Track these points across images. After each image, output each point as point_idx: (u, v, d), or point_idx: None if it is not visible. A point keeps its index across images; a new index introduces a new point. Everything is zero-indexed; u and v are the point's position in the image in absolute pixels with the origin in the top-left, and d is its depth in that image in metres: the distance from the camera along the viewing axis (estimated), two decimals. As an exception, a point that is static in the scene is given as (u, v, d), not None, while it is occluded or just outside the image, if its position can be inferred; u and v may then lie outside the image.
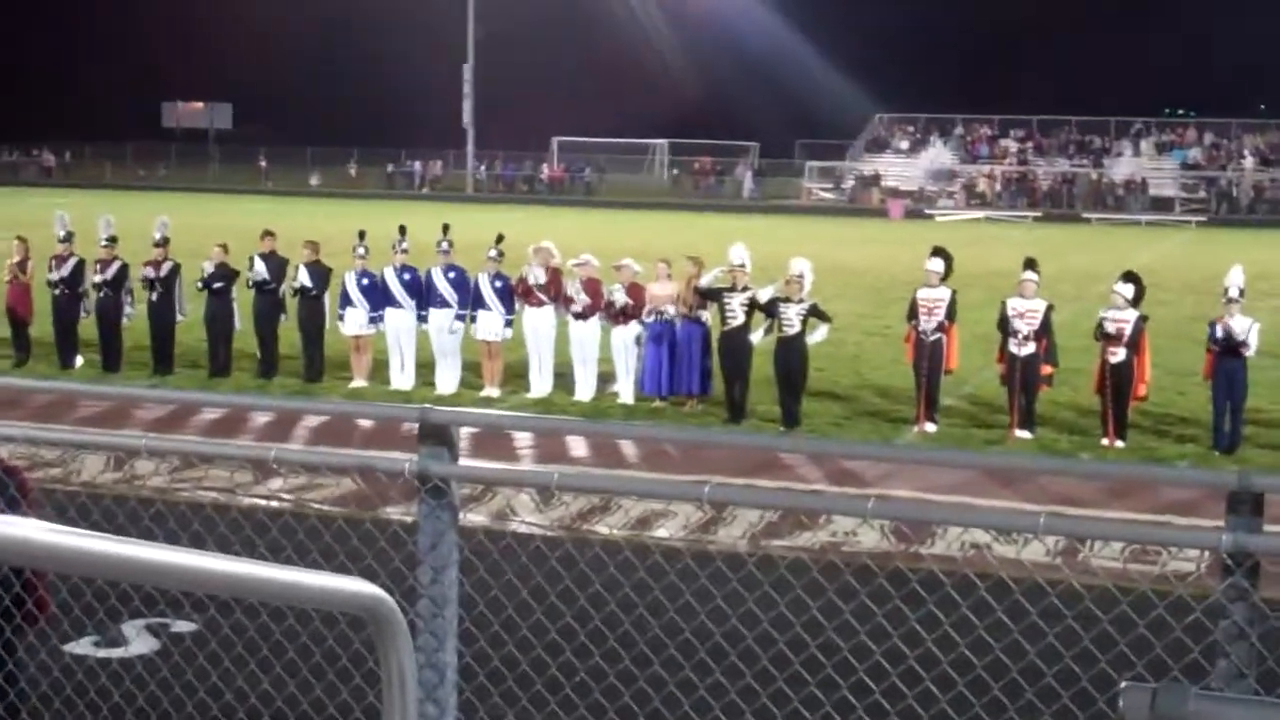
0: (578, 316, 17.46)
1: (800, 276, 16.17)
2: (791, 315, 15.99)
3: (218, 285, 18.76)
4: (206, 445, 5.32)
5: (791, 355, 15.90)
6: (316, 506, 11.48)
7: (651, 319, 17.12)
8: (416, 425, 4.31)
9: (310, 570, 2.38)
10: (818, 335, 16.19)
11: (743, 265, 16.60)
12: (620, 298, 17.21)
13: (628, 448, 14.64)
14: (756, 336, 16.35)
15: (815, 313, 16.10)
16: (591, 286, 17.45)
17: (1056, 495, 12.50)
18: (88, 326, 19.30)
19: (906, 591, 5.09)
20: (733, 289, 16.51)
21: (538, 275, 17.68)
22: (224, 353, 18.96)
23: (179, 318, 19.13)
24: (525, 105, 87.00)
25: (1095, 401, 16.05)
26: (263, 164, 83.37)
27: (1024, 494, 12.56)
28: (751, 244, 18.21)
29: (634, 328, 17.30)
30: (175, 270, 19.02)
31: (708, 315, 16.97)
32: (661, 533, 11.05)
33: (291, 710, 5.61)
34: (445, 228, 18.38)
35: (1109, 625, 4.55)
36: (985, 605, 4.78)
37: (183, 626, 7.69)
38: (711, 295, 16.73)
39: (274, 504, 11.42)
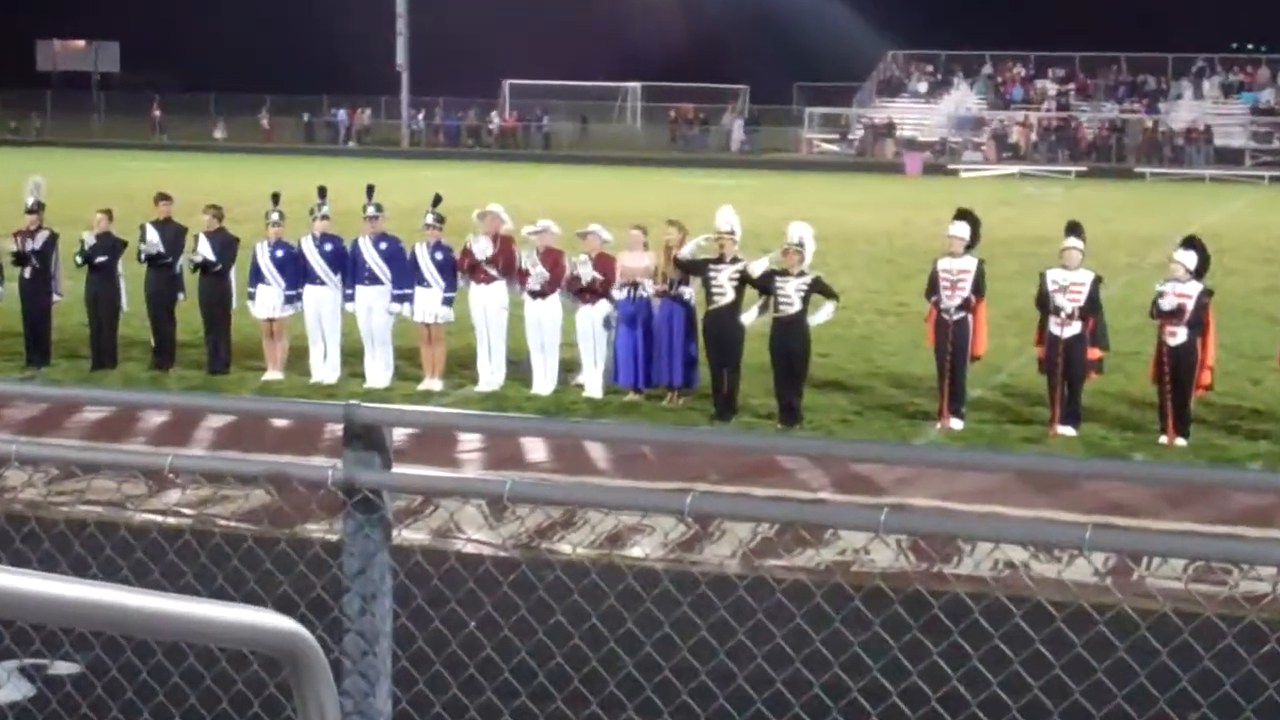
0: (535, 294, 17.46)
1: (800, 245, 16.19)
2: (790, 291, 16.01)
3: (101, 259, 18.68)
4: (89, 451, 5.29)
5: (790, 338, 15.94)
6: (222, 524, 11.43)
7: (624, 296, 17.12)
8: (341, 425, 4.29)
9: (215, 601, 2.37)
10: (822, 315, 16.23)
11: (731, 232, 16.61)
12: (586, 271, 17.21)
13: (596, 450, 14.63)
14: (749, 317, 16.38)
15: (818, 288, 16.14)
16: (551, 258, 17.45)
17: (1106, 503, 12.54)
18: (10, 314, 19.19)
19: (927, 619, 5.11)
20: (720, 260, 16.52)
21: (485, 245, 17.65)
22: (109, 340, 18.89)
23: (55, 298, 19.05)
24: (470, 43, 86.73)
25: (1151, 391, 16.13)
26: (156, 114, 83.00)
27: (1067, 502, 12.60)
28: (742, 206, 18.24)
29: (603, 307, 17.30)
30: (51, 241, 18.93)
31: (690, 292, 16.98)
32: (636, 552, 11.04)
33: (194, 768, 5.60)
34: (371, 190, 18.35)
35: (1169, 658, 4.56)
36: (1021, 635, 4.79)
37: (62, 668, 7.67)
38: (695, 268, 16.75)
39: (171, 521, 11.38)
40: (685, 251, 16.76)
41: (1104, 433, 15.83)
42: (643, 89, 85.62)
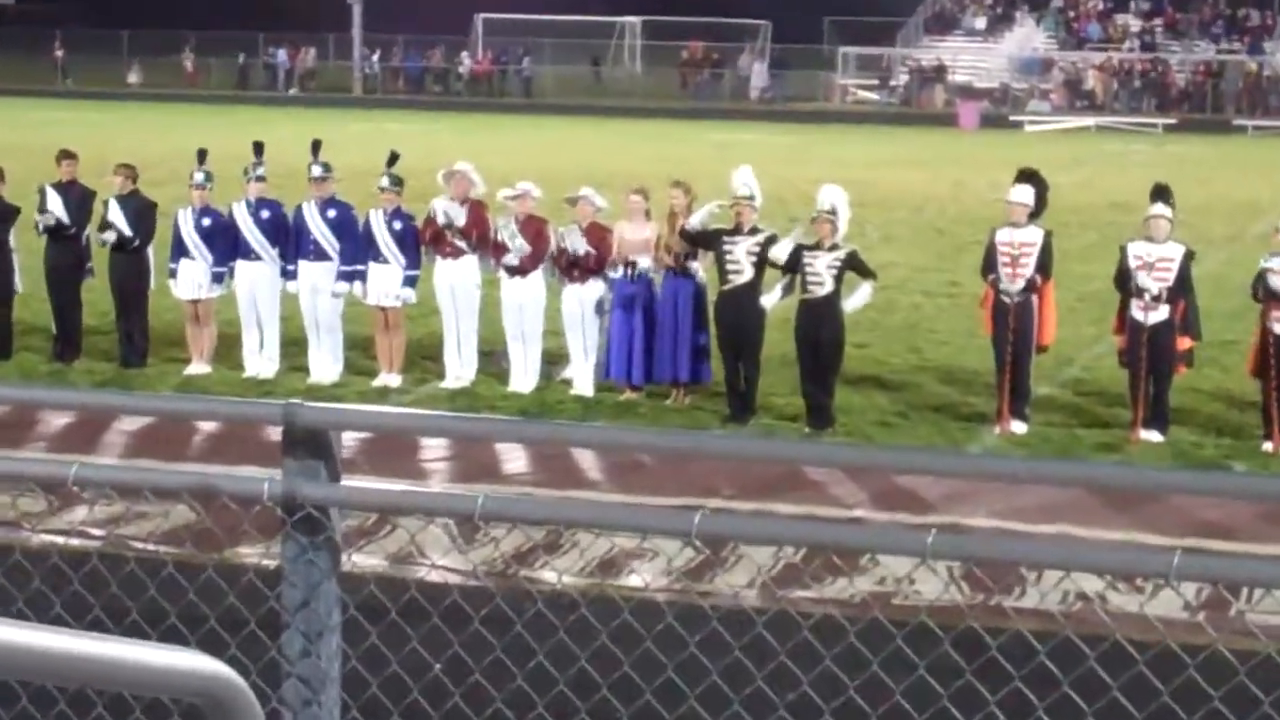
0: (513, 271, 17.46)
1: (832, 213, 16.20)
2: (820, 268, 16.02)
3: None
4: (-23, 460, 5.30)
5: (820, 325, 15.94)
6: (138, 546, 11.44)
7: (620, 275, 17.13)
8: (280, 428, 4.30)
9: (128, 640, 2.37)
10: (857, 299, 16.24)
11: (750, 197, 16.61)
12: (576, 244, 17.21)
13: (586, 459, 14.63)
14: (770, 299, 16.38)
15: (853, 264, 16.14)
16: (533, 228, 17.45)
17: (1198, 523, 12.53)
18: None
19: (984, 662, 5.11)
20: (735, 231, 16.52)
21: (453, 213, 17.65)
22: (1, 326, 18.89)
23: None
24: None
25: (1253, 388, 16.14)
26: (59, 54, 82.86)
27: (1152, 522, 12.60)
28: (762, 166, 18.24)
29: (595, 287, 17.30)
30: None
31: (700, 269, 16.98)
32: (634, 581, 11.04)
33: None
34: (316, 146, 18.33)
35: (1273, 708, 4.56)
36: (1095, 681, 4.79)
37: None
38: (706, 240, 16.76)
39: (75, 543, 11.38)
40: (694, 221, 16.75)
41: (1196, 438, 15.84)
42: (644, 25, 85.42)
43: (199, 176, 18.36)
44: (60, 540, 11.30)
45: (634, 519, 4.94)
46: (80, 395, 10.54)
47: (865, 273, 16.24)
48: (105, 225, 18.48)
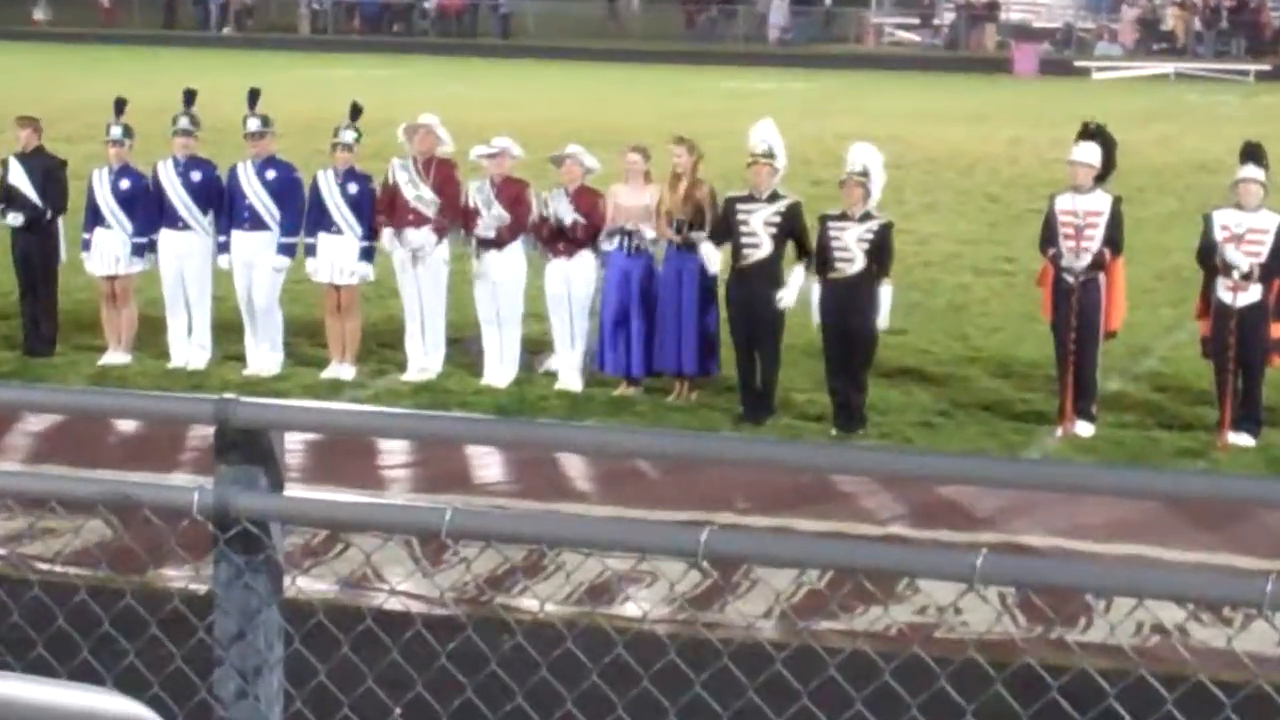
0: (487, 244, 17.46)
1: (864, 175, 16.19)
2: (849, 241, 16.01)
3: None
4: None
5: (849, 309, 15.93)
6: (43, 568, 11.43)
7: (615, 248, 17.13)
8: (212, 429, 4.31)
9: (36, 678, 2.38)
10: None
11: (769, 155, 16.60)
12: (562, 211, 17.21)
13: (574, 466, 14.64)
14: (789, 295, 16.24)
15: (883, 242, 16.06)
16: (511, 192, 17.45)
17: (1296, 542, 12.56)
18: None
19: (1044, 704, 5.12)
20: (751, 198, 16.51)
21: (416, 176, 17.65)
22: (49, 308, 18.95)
23: None
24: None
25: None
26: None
27: (1242, 541, 12.60)
28: (783, 119, 18.22)
29: (586, 263, 17.30)
30: None
31: (709, 243, 16.97)
32: (630, 609, 11.05)
33: None
34: (254, 95, 18.31)
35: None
36: (1175, 729, 4.81)
37: None
38: (718, 209, 16.77)
39: (-28, 564, 11.38)
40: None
41: (1296, 443, 15.87)
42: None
43: (116, 131, 18.32)
44: (-49, 561, 11.31)
45: (630, 536, 4.93)
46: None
47: (885, 259, 16.10)
48: (7, 194, 18.45)
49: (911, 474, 7.48)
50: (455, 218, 17.64)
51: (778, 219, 16.35)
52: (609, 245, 17.14)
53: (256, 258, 17.87)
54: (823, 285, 16.09)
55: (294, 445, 14.16)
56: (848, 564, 4.94)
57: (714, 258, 16.58)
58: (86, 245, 18.33)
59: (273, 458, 4.33)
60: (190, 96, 18.46)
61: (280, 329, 18.21)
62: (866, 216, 16.11)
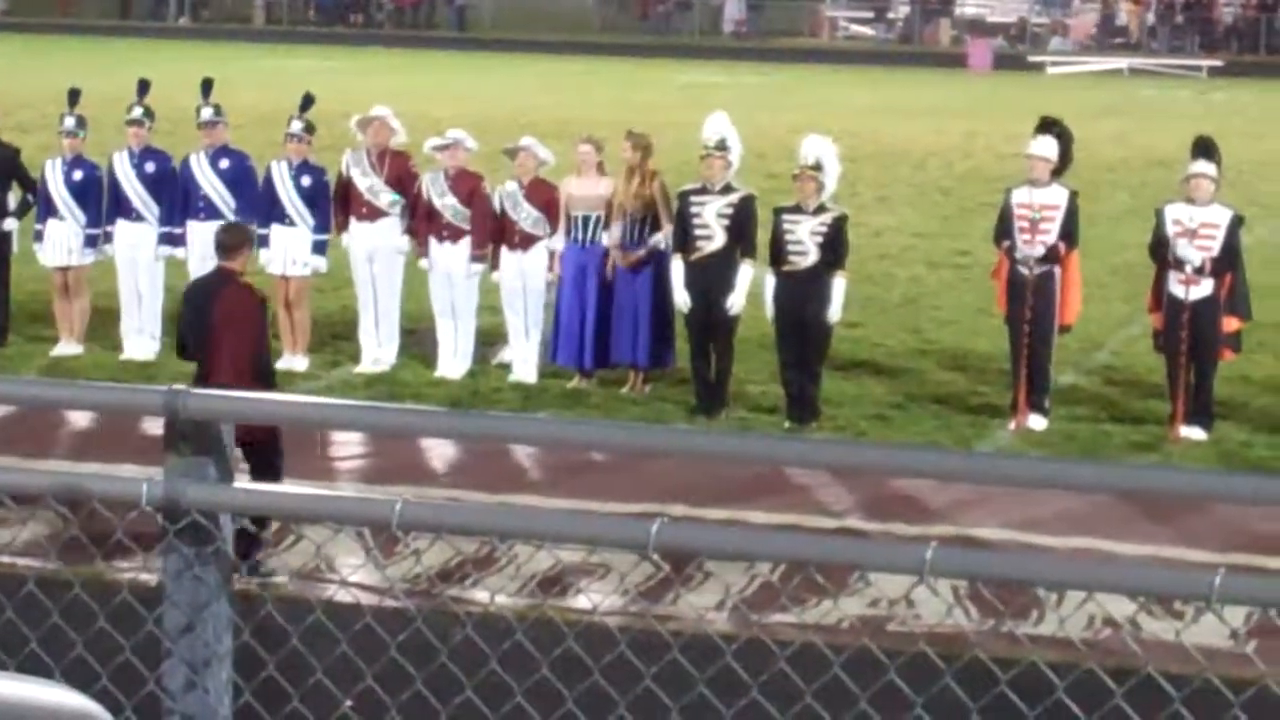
0: (442, 237, 17.43)
1: (816, 168, 16.19)
2: (802, 235, 16.01)
3: None
4: None
5: (804, 301, 15.93)
6: (-6, 559, 11.40)
7: (570, 242, 17.12)
8: (163, 420, 4.28)
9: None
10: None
11: (722, 147, 16.59)
12: (516, 205, 17.19)
13: (526, 457, 14.62)
14: (738, 299, 16.24)
15: (836, 233, 16.07)
16: (466, 186, 17.42)
17: (1248, 537, 12.58)
18: None
19: (992, 698, 5.12)
20: (704, 191, 16.51)
21: (370, 166, 17.63)
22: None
23: None
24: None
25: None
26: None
27: (1193, 535, 12.63)
28: (738, 112, 18.22)
29: (539, 256, 17.28)
30: None
31: (662, 235, 16.95)
32: (581, 602, 11.04)
33: None
34: (208, 85, 18.26)
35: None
36: (1123, 721, 4.81)
37: None
38: (670, 203, 16.76)
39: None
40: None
41: (1245, 436, 15.91)
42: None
43: (70, 122, 18.26)
44: (-100, 552, 11.26)
45: (581, 529, 4.91)
46: (-73, 379, 10.49)
47: (839, 252, 16.11)
48: (25, 208, 18.42)
49: (864, 467, 7.47)
50: (413, 211, 17.60)
51: (730, 211, 16.35)
52: (555, 244, 17.13)
53: (211, 248, 17.76)
54: (776, 278, 16.09)
55: (247, 437, 14.15)
56: (798, 557, 4.93)
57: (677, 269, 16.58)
58: (38, 236, 18.26)
59: (222, 449, 4.30)
60: (144, 87, 18.42)
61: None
62: (820, 209, 16.10)
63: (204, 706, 4.30)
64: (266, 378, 12.70)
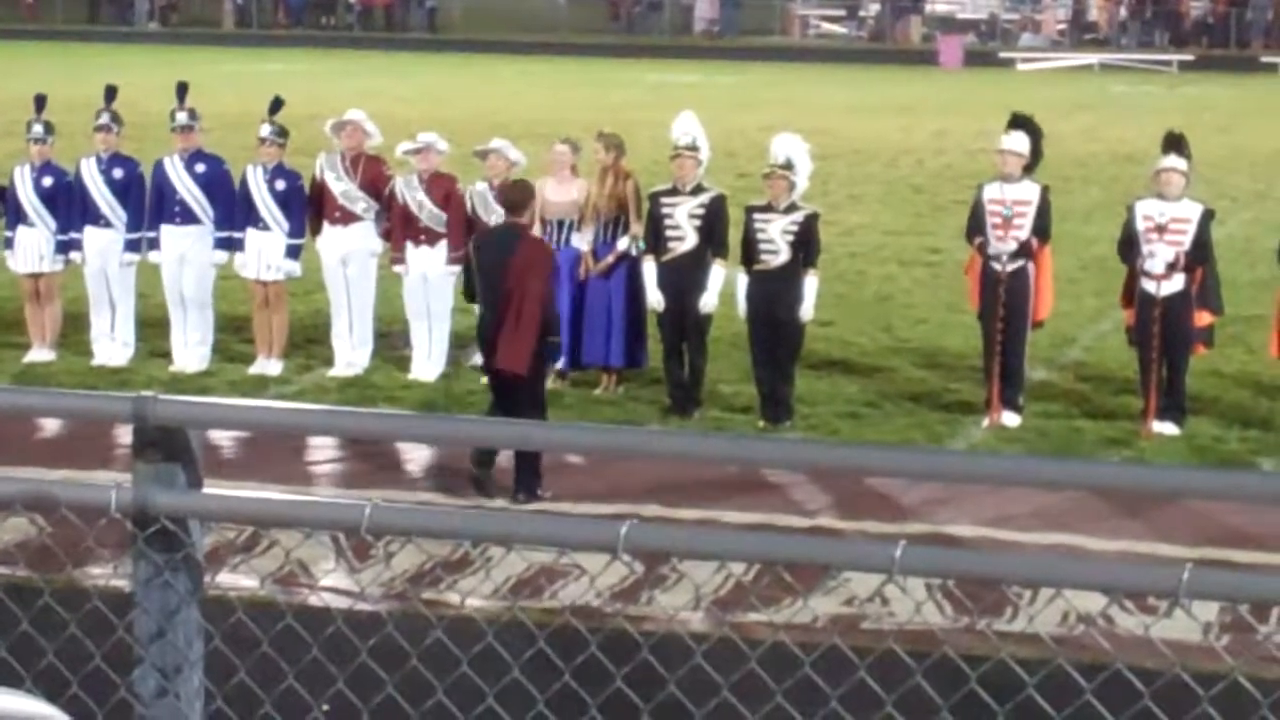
0: (419, 241, 17.43)
1: (786, 167, 16.19)
2: (774, 234, 16.01)
3: None
4: None
5: (776, 300, 15.92)
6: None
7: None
8: (132, 426, 4.29)
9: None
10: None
11: (693, 147, 16.60)
12: (488, 207, 17.19)
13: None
14: (710, 296, 16.27)
15: (806, 232, 16.07)
16: (440, 189, 17.41)
17: (1220, 532, 12.61)
18: None
19: (963, 695, 5.14)
20: (675, 191, 16.51)
21: (343, 172, 17.62)
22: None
23: None
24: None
25: (1282, 373, 16.28)
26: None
27: (1165, 530, 12.67)
28: (709, 112, 18.25)
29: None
30: None
31: (630, 238, 16.93)
32: (553, 603, 11.04)
33: None
34: (183, 89, 18.24)
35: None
36: (1092, 716, 4.83)
37: None
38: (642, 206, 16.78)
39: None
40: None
41: (1217, 431, 15.94)
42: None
43: (38, 129, 18.21)
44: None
45: (551, 530, 4.93)
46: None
47: (811, 251, 16.12)
48: None
49: (836, 466, 7.49)
50: (386, 214, 17.60)
51: (702, 211, 16.35)
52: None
53: (189, 252, 17.80)
54: (749, 277, 16.09)
55: (225, 442, 14.15)
56: (769, 556, 4.95)
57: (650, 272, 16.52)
58: (9, 243, 18.24)
59: (191, 455, 4.31)
60: (111, 93, 18.36)
61: (210, 324, 18.15)
62: (792, 208, 16.10)
63: (175, 713, 4.31)
64: (553, 324, 14.35)
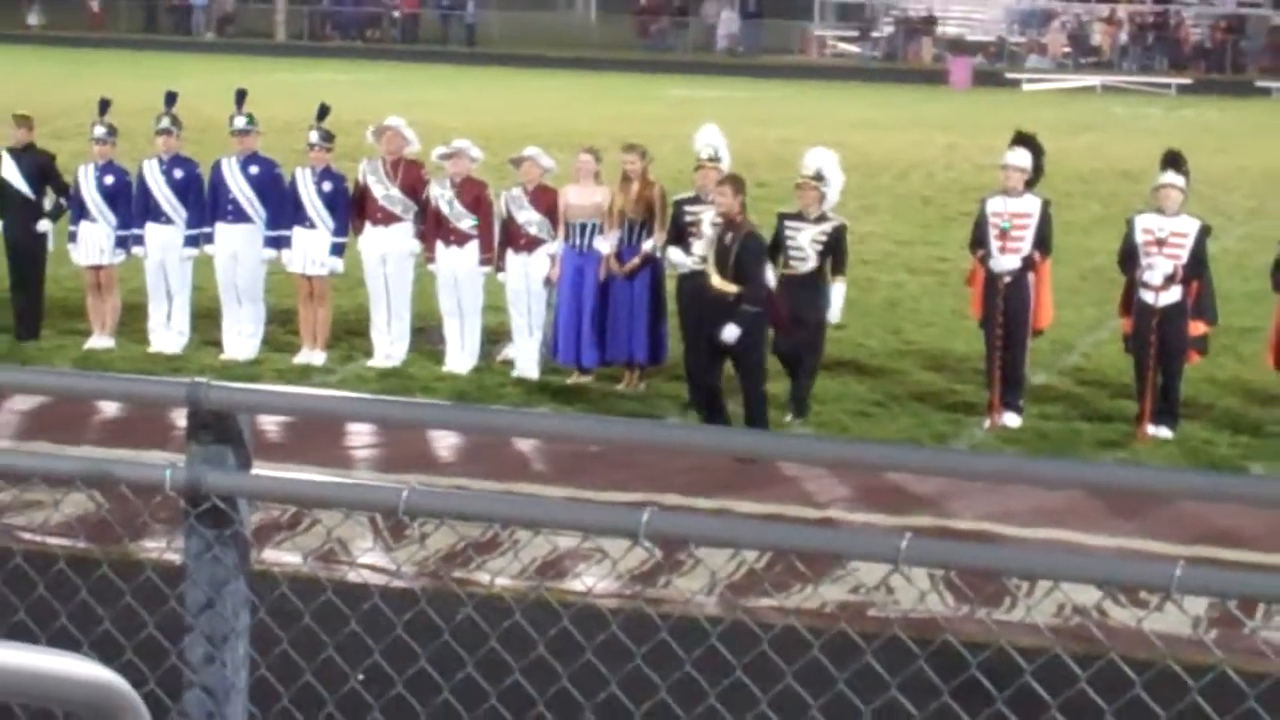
0: (449, 241, 17.44)
1: (817, 178, 16.20)
2: (803, 242, 16.04)
3: None
4: None
5: (802, 305, 15.91)
6: (26, 538, 11.41)
7: (568, 247, 17.13)
8: (186, 410, 4.30)
9: (12, 643, 2.37)
10: (836, 308, 16.24)
11: (715, 159, 16.60)
12: (521, 210, 17.20)
13: (528, 449, 14.63)
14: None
15: (835, 242, 16.09)
16: (471, 193, 17.42)
17: (1210, 531, 12.59)
18: None
19: (963, 680, 5.13)
20: (697, 200, 16.49)
21: (384, 175, 17.64)
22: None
23: None
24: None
25: (1275, 381, 16.21)
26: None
27: (1158, 528, 12.64)
28: (730, 125, 18.23)
29: (541, 258, 17.29)
30: None
31: (653, 243, 16.91)
32: (577, 585, 11.05)
33: None
34: (241, 96, 18.29)
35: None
36: (1086, 704, 4.82)
37: None
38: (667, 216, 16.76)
39: (-42, 535, 11.34)
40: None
41: (1209, 435, 15.90)
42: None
43: (100, 130, 18.27)
44: (-61, 532, 11.28)
45: (576, 516, 4.93)
46: (-36, 370, 10.51)
47: (840, 259, 16.16)
48: (58, 211, 18.44)
49: (845, 461, 7.50)
50: (423, 215, 17.62)
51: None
52: (552, 247, 17.16)
53: (241, 249, 17.88)
54: (778, 280, 16.08)
55: (267, 426, 14.16)
56: (781, 545, 4.94)
57: (679, 257, 16.41)
58: (72, 237, 18.30)
59: (240, 438, 4.32)
60: (171, 98, 18.43)
61: (261, 316, 18.22)
62: (822, 218, 16.14)
63: (222, 679, 4.32)
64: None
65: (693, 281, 15.86)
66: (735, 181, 15.31)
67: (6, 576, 6.36)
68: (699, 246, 15.90)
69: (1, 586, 6.08)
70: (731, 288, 14.79)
